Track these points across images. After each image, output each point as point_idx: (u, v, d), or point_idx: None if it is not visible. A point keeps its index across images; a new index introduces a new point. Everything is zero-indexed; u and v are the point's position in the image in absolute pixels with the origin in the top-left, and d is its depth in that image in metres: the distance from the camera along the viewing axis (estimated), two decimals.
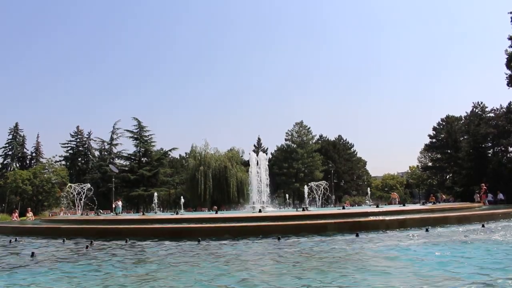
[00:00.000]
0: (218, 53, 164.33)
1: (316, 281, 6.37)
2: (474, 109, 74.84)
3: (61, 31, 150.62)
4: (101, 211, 37.62)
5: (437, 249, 9.63)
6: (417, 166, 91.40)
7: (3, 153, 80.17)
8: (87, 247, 11.64)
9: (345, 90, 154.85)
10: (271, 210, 25.46)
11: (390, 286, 5.79)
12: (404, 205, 29.91)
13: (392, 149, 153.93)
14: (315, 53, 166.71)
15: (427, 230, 12.90)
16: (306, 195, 33.73)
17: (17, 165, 79.43)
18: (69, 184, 39.66)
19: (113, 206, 42.31)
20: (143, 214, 29.39)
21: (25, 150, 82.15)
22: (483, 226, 14.10)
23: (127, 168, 75.07)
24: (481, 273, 6.53)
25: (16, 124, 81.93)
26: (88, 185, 37.29)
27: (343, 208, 26.14)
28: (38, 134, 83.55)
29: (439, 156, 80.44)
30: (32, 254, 10.12)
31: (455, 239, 11.15)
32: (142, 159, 76.03)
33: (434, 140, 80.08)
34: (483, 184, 38.84)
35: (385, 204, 34.83)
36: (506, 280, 5.94)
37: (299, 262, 8.35)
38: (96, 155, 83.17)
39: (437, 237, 11.65)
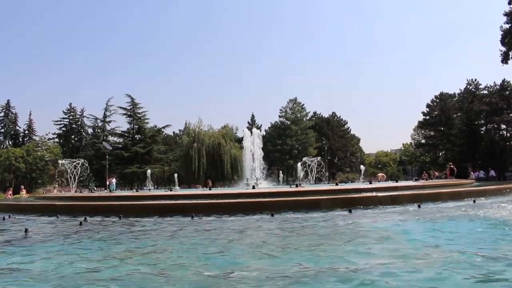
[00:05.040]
0: (212, 31, 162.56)
1: (305, 255, 6.44)
2: (468, 86, 74.82)
3: (53, 9, 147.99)
4: (95, 188, 37.61)
5: (427, 224, 9.76)
6: (410, 143, 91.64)
7: None
8: (80, 223, 11.67)
9: (339, 67, 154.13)
10: (264, 187, 25.55)
11: (376, 261, 5.85)
12: (397, 182, 30.18)
13: (386, 126, 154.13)
14: (309, 31, 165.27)
15: (419, 206, 13.05)
16: (299, 172, 33.81)
17: (10, 142, 78.75)
18: (60, 161, 39.33)
19: (107, 183, 42.29)
20: (137, 191, 29.44)
21: (17, 127, 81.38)
22: (474, 201, 14.29)
23: (120, 145, 74.62)
24: (466, 247, 6.63)
25: (8, 101, 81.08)
26: (81, 161, 37.00)
27: (336, 184, 26.28)
28: (30, 112, 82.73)
29: (432, 133, 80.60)
30: (26, 231, 10.13)
31: (446, 215, 11.29)
32: (136, 136, 75.60)
33: (427, 117, 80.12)
34: (450, 163, 40.13)
35: (377, 181, 35.13)
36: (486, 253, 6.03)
37: (290, 236, 8.43)
38: (90, 132, 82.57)
39: (428, 213, 11.79)
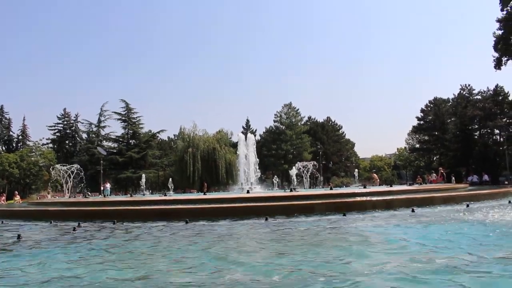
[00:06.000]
0: (207, 34, 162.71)
1: (296, 260, 6.45)
2: (462, 92, 75.28)
3: (46, 13, 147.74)
4: (89, 193, 37.49)
5: (418, 228, 9.81)
6: (405, 147, 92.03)
7: None
8: (74, 229, 11.61)
9: (334, 72, 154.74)
10: (259, 191, 25.60)
11: (369, 263, 5.88)
12: (391, 186, 30.28)
13: (380, 131, 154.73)
14: (304, 35, 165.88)
15: (413, 211, 13.09)
16: (294, 176, 33.88)
17: (3, 148, 78.29)
18: (54, 166, 39.16)
19: (102, 188, 42.20)
20: (131, 196, 29.37)
21: (11, 133, 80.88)
22: (467, 206, 14.35)
23: (115, 150, 74.47)
24: (457, 251, 6.67)
25: (1, 107, 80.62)
26: (76, 166, 36.87)
27: (331, 189, 26.35)
28: (24, 117, 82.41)
29: (426, 138, 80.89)
30: (18, 237, 10.06)
31: (438, 219, 11.34)
32: (130, 141, 75.50)
33: (421, 122, 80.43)
34: (440, 168, 40.77)
35: (372, 185, 35.25)
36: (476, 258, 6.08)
37: (282, 241, 8.44)
38: (84, 138, 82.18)
39: (421, 217, 11.84)
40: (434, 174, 40.46)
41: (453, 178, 41.67)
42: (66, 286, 5.32)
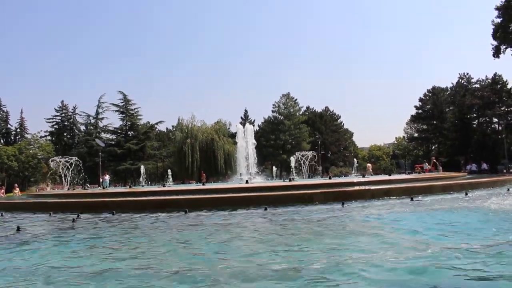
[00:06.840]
0: (205, 25, 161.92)
1: (295, 248, 6.47)
2: (460, 80, 75.10)
3: (44, 5, 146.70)
4: (88, 185, 37.51)
5: (417, 216, 9.83)
6: (403, 137, 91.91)
7: None
8: (73, 220, 11.61)
9: (332, 61, 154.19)
10: (258, 181, 25.60)
11: (366, 251, 5.89)
12: (390, 175, 30.35)
13: (379, 120, 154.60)
14: (302, 25, 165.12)
15: (411, 199, 13.11)
16: (292, 166, 33.90)
17: (2, 141, 78.15)
18: (52, 158, 39.09)
19: (100, 180, 42.19)
20: (130, 188, 29.38)
21: (9, 126, 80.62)
22: (466, 194, 14.37)
23: (113, 142, 74.43)
24: (454, 239, 6.68)
25: None
26: (74, 158, 36.82)
27: (329, 178, 26.36)
28: (22, 110, 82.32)
29: (425, 127, 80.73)
30: (18, 229, 10.06)
31: (436, 208, 11.36)
32: (129, 132, 75.40)
33: (420, 111, 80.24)
34: (433, 158, 41.14)
35: (370, 172, 35.33)
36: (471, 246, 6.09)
37: (282, 230, 8.46)
38: (82, 130, 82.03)
39: (420, 206, 11.86)
40: (427, 164, 40.47)
41: (441, 167, 41.64)
42: (63, 275, 5.31)
